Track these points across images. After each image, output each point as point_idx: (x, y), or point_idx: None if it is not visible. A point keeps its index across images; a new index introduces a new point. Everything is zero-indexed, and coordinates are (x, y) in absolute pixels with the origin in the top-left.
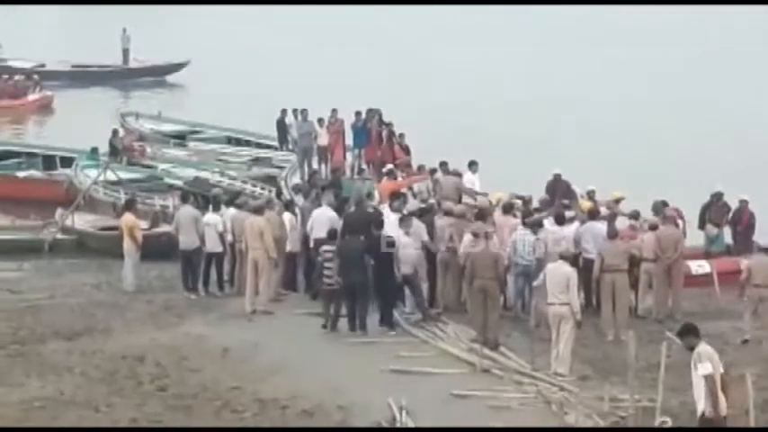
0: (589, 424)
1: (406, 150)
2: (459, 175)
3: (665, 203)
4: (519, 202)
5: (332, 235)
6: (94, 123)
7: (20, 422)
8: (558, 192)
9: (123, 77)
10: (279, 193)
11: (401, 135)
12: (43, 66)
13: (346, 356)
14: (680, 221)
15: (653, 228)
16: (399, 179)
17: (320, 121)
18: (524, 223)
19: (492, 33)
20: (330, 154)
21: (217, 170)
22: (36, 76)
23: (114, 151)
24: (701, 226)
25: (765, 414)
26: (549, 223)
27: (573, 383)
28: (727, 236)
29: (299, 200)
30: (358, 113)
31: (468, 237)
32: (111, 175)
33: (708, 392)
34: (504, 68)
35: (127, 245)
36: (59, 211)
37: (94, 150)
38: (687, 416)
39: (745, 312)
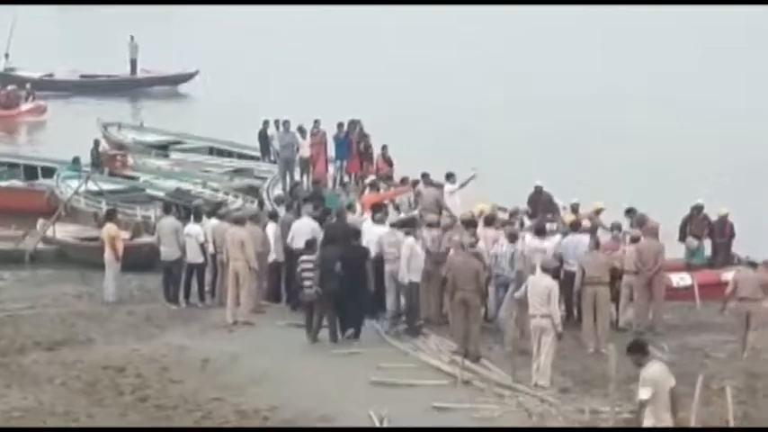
0: None
1: (389, 162)
2: (440, 186)
3: (631, 210)
4: (502, 213)
5: (310, 245)
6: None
7: None
8: (540, 204)
9: (131, 87)
10: (261, 204)
11: (384, 147)
12: (51, 75)
13: (327, 368)
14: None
15: (635, 240)
16: (382, 191)
17: (302, 132)
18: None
19: (480, 35)
20: (312, 165)
21: (198, 181)
22: (29, 86)
23: (96, 162)
24: (682, 238)
25: (745, 426)
26: (529, 236)
27: (554, 395)
28: (708, 248)
29: (281, 211)
30: (340, 125)
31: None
32: (92, 186)
33: (640, 414)
34: (493, 70)
35: (108, 255)
36: (41, 221)
37: (76, 160)
38: None
39: (738, 329)
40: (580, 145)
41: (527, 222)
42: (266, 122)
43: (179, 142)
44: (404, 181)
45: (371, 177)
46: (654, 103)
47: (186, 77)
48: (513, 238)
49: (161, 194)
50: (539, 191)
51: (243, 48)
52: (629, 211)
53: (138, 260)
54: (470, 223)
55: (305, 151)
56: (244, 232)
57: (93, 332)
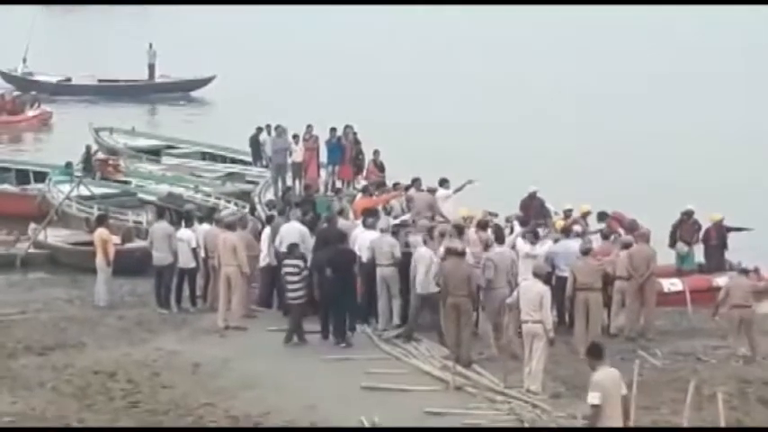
0: None
1: (381, 168)
2: (432, 191)
3: (604, 214)
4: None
5: (291, 249)
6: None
7: None
8: (533, 210)
9: (149, 92)
10: (252, 210)
11: (376, 152)
12: (69, 80)
13: (319, 373)
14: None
15: (626, 246)
16: (374, 197)
17: (295, 137)
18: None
19: (471, 37)
20: (304, 170)
21: (190, 186)
22: (34, 92)
23: (87, 167)
24: (672, 244)
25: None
26: (521, 241)
27: (545, 401)
28: (699, 254)
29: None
30: (333, 129)
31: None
32: (84, 190)
33: (593, 418)
34: (485, 73)
35: (99, 260)
36: (32, 225)
37: (68, 165)
38: None
39: (729, 335)
40: (572, 149)
41: (517, 228)
42: (260, 128)
43: (171, 147)
44: (396, 186)
45: (363, 183)
46: (643, 104)
47: (203, 82)
48: (485, 245)
49: (153, 199)
50: (532, 196)
51: (240, 50)
52: (602, 216)
53: (130, 265)
54: (461, 229)
55: (297, 156)
56: (236, 237)
57: (85, 337)
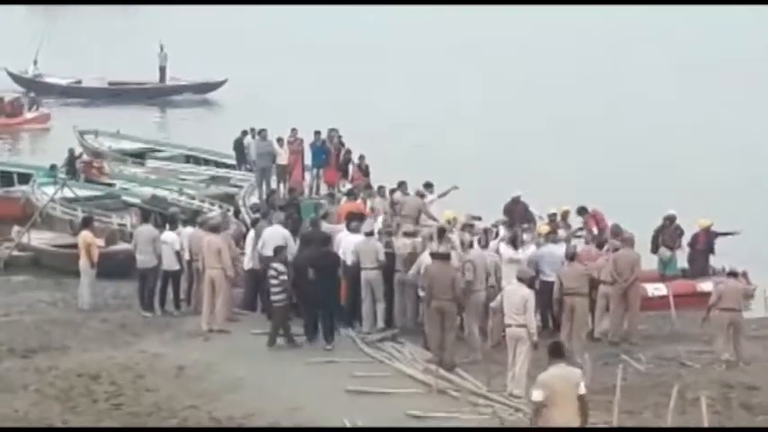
0: None
1: (365, 172)
2: (422, 195)
3: (583, 209)
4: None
5: (277, 252)
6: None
7: None
8: (517, 214)
9: (160, 95)
10: (237, 213)
11: (361, 157)
12: (80, 82)
13: (303, 376)
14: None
15: (615, 251)
16: (359, 200)
17: (279, 140)
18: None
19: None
20: (289, 174)
21: (175, 188)
22: (33, 94)
23: (70, 170)
24: (654, 250)
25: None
26: (504, 246)
27: (528, 405)
28: (681, 259)
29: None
30: (317, 133)
31: (427, 257)
32: (68, 193)
33: (533, 415)
34: (470, 75)
35: (83, 262)
36: (16, 228)
37: (53, 167)
38: None
39: (717, 338)
40: (554, 151)
41: (502, 232)
42: (244, 132)
43: (155, 150)
44: (380, 190)
45: (348, 186)
46: (628, 106)
47: (215, 85)
48: (466, 247)
49: (137, 202)
50: (516, 200)
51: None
52: (581, 211)
53: (114, 267)
54: (444, 232)
55: (282, 159)
56: (220, 240)
57: (68, 339)
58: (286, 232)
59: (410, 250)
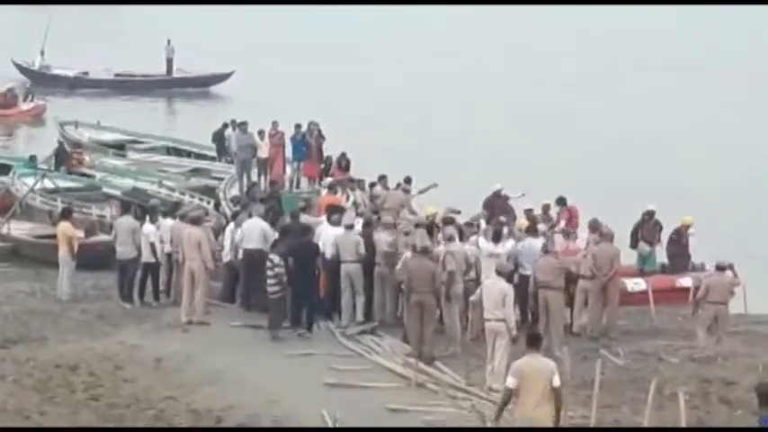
0: None
1: (345, 168)
2: (407, 192)
3: (561, 199)
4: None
5: (275, 244)
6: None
7: None
8: (497, 208)
9: (166, 87)
10: (217, 205)
11: (343, 154)
12: (86, 74)
13: (281, 368)
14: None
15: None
16: (339, 194)
17: (260, 133)
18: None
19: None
20: (270, 166)
21: (155, 180)
22: (27, 85)
23: (60, 160)
24: (634, 245)
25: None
26: (484, 240)
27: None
28: (660, 254)
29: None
30: (297, 126)
31: (407, 251)
32: (48, 184)
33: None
34: (454, 72)
35: (62, 253)
36: None
37: (32, 158)
38: None
39: (698, 330)
40: (534, 149)
41: (484, 225)
42: (225, 124)
43: (136, 141)
44: (359, 183)
45: (329, 180)
46: (611, 106)
47: (222, 78)
48: (449, 239)
49: (117, 193)
50: (497, 194)
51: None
52: (561, 201)
53: (94, 259)
54: (425, 226)
55: (263, 152)
56: (200, 232)
57: (47, 330)
58: (265, 225)
59: (389, 247)
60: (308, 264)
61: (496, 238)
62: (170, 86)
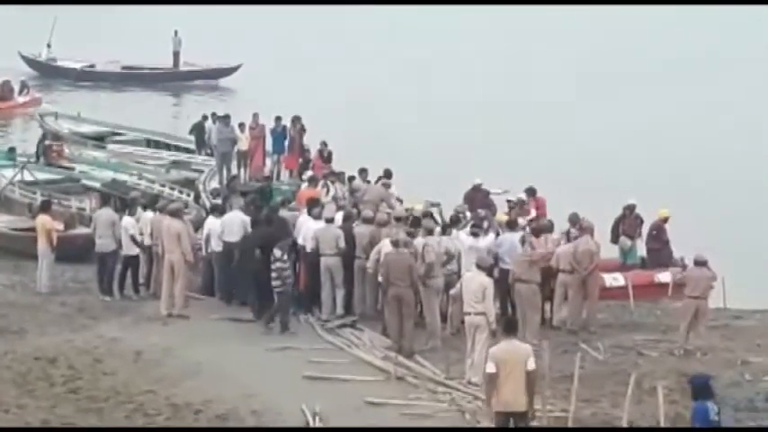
0: None
1: (328, 159)
2: (388, 186)
3: (530, 189)
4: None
5: (246, 237)
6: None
7: None
8: (477, 201)
9: (173, 80)
10: (197, 197)
11: (323, 143)
12: (93, 66)
13: (261, 362)
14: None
15: (574, 239)
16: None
17: (241, 125)
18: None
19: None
20: (250, 159)
21: (134, 172)
22: (24, 79)
23: (40, 152)
24: (614, 240)
25: (677, 427)
26: (464, 234)
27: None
28: (641, 248)
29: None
30: (278, 118)
31: (387, 244)
32: (27, 176)
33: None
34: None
35: (41, 246)
36: None
37: (11, 150)
38: (599, 426)
39: (680, 324)
40: (515, 144)
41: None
42: (205, 116)
43: (116, 133)
44: (339, 176)
45: (309, 173)
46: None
47: (229, 71)
48: (429, 232)
49: (97, 185)
50: (476, 188)
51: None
52: (530, 191)
53: (73, 251)
54: (405, 220)
55: (242, 145)
56: (180, 225)
57: (26, 323)
58: (245, 218)
59: (369, 238)
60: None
61: (478, 231)
62: (177, 79)
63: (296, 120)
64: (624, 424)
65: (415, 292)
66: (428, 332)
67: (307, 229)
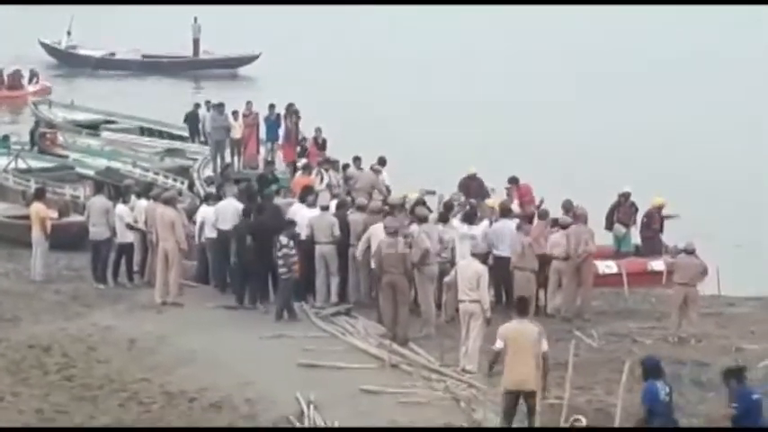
0: (497, 421)
1: (322, 146)
2: (378, 172)
3: (513, 179)
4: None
5: (238, 225)
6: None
7: None
8: (472, 190)
9: (193, 68)
10: (191, 185)
11: (318, 129)
12: (113, 54)
13: (255, 350)
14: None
15: (564, 227)
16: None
17: (234, 113)
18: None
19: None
20: (243, 147)
21: (128, 160)
22: (33, 68)
23: (35, 140)
24: (609, 227)
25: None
26: (458, 221)
27: (481, 380)
28: (636, 235)
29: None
30: (271, 106)
31: (377, 232)
32: (21, 164)
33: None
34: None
35: (35, 234)
36: None
37: (6, 138)
38: (593, 414)
39: (671, 312)
40: (515, 144)
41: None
42: (198, 105)
43: (110, 121)
44: (334, 164)
45: (304, 161)
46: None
47: (248, 60)
48: (420, 220)
49: (90, 173)
50: (471, 177)
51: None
52: (513, 180)
53: (67, 239)
54: (400, 208)
55: (236, 133)
56: (174, 213)
57: (20, 311)
58: (239, 206)
59: (363, 226)
60: (265, 242)
61: (470, 219)
62: (197, 68)
63: (290, 107)
64: (618, 411)
65: (409, 279)
66: (422, 320)
67: (301, 216)
